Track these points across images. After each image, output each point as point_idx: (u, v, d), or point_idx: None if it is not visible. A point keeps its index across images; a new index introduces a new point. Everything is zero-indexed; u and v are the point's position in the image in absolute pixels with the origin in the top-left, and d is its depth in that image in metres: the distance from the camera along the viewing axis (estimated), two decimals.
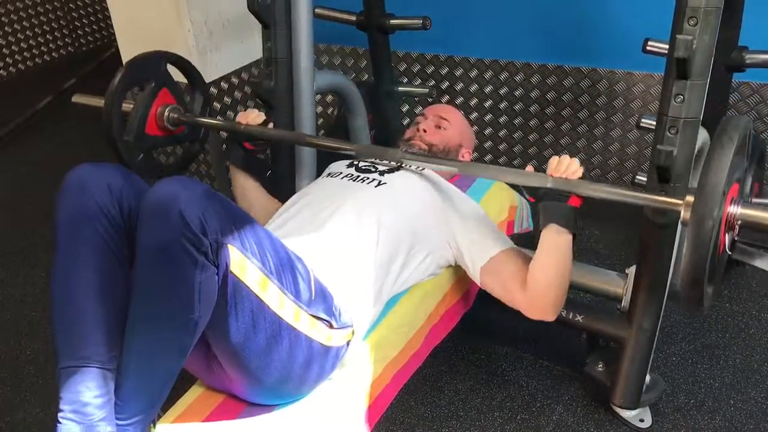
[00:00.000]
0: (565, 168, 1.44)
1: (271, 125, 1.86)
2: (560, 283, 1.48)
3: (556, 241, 1.45)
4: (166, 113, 1.87)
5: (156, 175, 1.95)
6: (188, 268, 1.11)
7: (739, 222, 1.27)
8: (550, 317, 1.52)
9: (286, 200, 1.74)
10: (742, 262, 2.21)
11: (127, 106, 1.83)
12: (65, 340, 1.18)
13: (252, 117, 1.79)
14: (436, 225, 1.62)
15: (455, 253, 1.64)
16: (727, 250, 1.35)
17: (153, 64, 1.87)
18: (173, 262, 1.11)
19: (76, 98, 1.97)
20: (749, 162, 2.06)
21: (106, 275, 1.21)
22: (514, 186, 2.10)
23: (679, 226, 1.54)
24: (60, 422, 1.14)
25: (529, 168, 1.51)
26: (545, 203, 1.45)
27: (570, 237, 1.46)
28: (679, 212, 1.28)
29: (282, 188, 2.06)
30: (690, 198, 1.25)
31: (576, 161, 1.45)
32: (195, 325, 1.15)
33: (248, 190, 1.87)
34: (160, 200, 1.12)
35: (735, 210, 1.26)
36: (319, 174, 1.93)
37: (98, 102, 1.84)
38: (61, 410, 1.14)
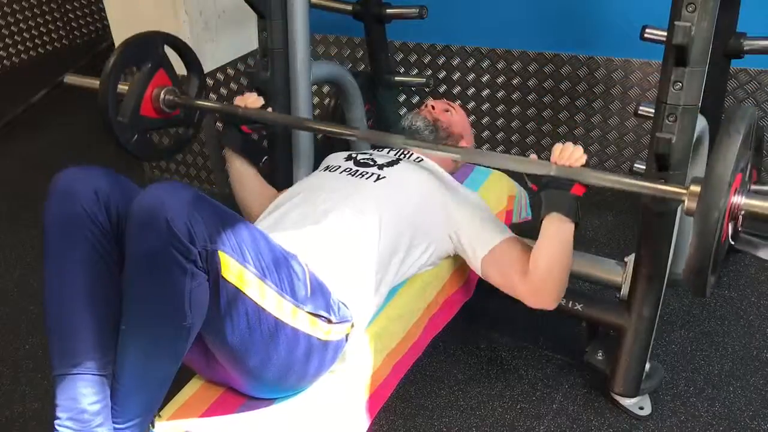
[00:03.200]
0: (569, 155, 1.43)
1: (269, 109, 1.83)
2: (561, 272, 1.48)
3: (558, 229, 1.45)
4: (161, 95, 1.84)
5: (150, 157, 1.91)
6: (177, 277, 1.10)
7: (742, 212, 1.26)
8: (551, 306, 1.53)
9: (280, 191, 1.73)
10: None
11: (122, 88, 1.80)
12: (59, 347, 1.18)
13: (250, 100, 1.77)
14: (436, 217, 1.61)
15: (455, 245, 1.63)
16: (730, 239, 1.35)
17: (149, 44, 1.83)
18: (162, 271, 1.11)
19: (69, 79, 1.92)
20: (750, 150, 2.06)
21: (97, 281, 1.20)
22: (512, 175, 2.10)
23: (679, 213, 1.54)
24: (57, 429, 1.14)
25: (533, 156, 1.50)
26: (548, 191, 1.45)
27: (572, 226, 1.46)
28: (683, 201, 1.28)
29: (280, 179, 2.05)
30: (695, 188, 1.25)
31: (580, 148, 1.44)
32: (188, 331, 1.15)
33: (244, 174, 1.86)
34: (146, 209, 1.11)
35: (738, 200, 1.25)
36: (316, 165, 1.93)
37: (92, 83, 1.80)
38: (58, 417, 1.15)
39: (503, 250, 1.56)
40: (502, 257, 1.56)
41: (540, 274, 1.48)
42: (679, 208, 1.52)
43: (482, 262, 1.58)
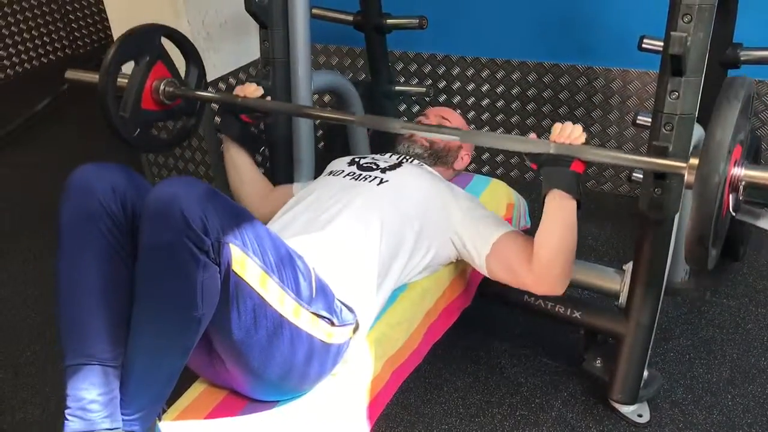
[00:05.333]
0: (569, 133, 1.42)
1: (268, 98, 1.83)
2: (566, 252, 1.47)
3: (559, 206, 1.44)
4: (161, 87, 1.83)
5: (153, 149, 1.90)
6: (190, 267, 1.12)
7: (743, 183, 1.24)
8: (559, 290, 1.52)
9: (283, 194, 1.74)
10: (740, 254, 2.22)
11: (121, 81, 1.79)
12: (70, 338, 1.19)
13: (250, 90, 1.78)
14: (438, 221, 1.63)
15: (459, 248, 1.64)
16: (731, 210, 1.32)
17: (147, 37, 1.82)
18: (175, 261, 1.12)
19: (69, 74, 1.91)
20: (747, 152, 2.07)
21: (110, 274, 1.22)
22: (511, 183, 2.11)
23: (676, 221, 1.55)
24: (67, 419, 1.15)
25: (532, 135, 1.49)
26: (547, 169, 1.44)
27: (574, 203, 1.45)
28: (683, 176, 1.26)
29: (281, 185, 2.06)
30: (694, 160, 1.23)
31: (579, 127, 1.44)
32: (198, 323, 1.16)
33: (240, 164, 1.86)
34: (161, 200, 1.13)
35: (739, 171, 1.23)
36: (317, 172, 1.94)
37: (92, 77, 1.80)
38: (68, 407, 1.16)
39: (504, 245, 1.56)
40: (504, 251, 1.55)
41: (545, 257, 1.47)
42: (678, 210, 1.53)
43: (487, 261, 1.57)
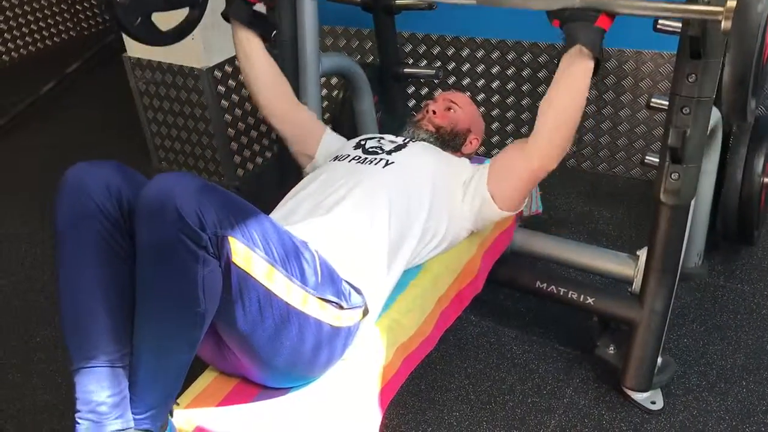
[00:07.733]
0: None
1: None
2: (570, 120, 1.44)
3: (578, 64, 1.40)
4: None
5: (155, 42, 1.84)
6: (189, 264, 1.10)
7: None
8: (554, 160, 1.51)
9: (290, 184, 1.73)
10: (754, 238, 2.19)
11: None
12: (75, 341, 1.18)
13: None
14: (446, 200, 1.62)
15: (472, 215, 1.65)
16: None
17: None
18: (174, 258, 1.10)
19: None
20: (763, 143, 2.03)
21: (110, 274, 1.20)
22: None
23: (692, 207, 1.53)
24: (78, 422, 1.15)
25: None
26: (571, 24, 1.38)
27: (592, 64, 1.40)
28: (719, 22, 1.17)
29: (288, 169, 2.05)
30: (731, 2, 1.14)
31: None
32: (202, 318, 1.15)
33: (251, 49, 1.79)
34: (155, 198, 1.10)
35: None
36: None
37: None
38: (78, 410, 1.15)
39: (495, 161, 1.62)
40: (499, 164, 1.60)
41: (549, 120, 1.44)
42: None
43: (490, 190, 1.60)
